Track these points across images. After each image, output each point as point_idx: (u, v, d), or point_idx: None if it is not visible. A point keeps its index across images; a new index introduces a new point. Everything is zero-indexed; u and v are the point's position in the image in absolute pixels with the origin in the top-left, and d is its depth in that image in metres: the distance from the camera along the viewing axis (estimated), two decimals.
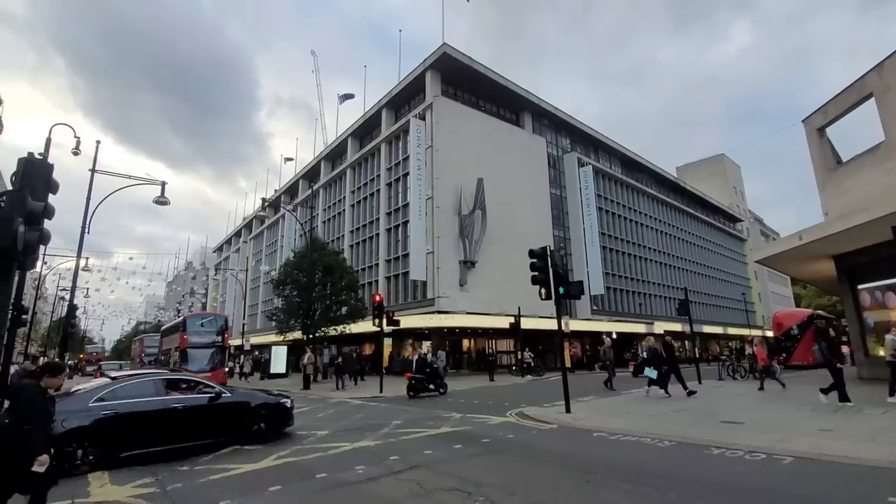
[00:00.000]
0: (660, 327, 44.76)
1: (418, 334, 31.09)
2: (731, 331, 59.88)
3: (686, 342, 49.08)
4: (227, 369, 28.16)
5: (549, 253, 11.40)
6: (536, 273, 11.29)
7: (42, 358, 36.28)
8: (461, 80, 36.95)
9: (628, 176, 52.75)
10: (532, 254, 11.52)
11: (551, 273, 11.17)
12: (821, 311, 34.79)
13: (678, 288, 49.57)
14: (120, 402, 7.49)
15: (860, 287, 16.22)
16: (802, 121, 18.11)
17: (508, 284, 31.27)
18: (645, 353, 15.42)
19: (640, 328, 43.99)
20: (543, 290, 11.17)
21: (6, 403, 4.33)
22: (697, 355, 23.29)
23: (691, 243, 60.15)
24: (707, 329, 53.68)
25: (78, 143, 12.91)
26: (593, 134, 48.95)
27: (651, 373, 13.75)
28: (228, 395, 8.90)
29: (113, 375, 8.47)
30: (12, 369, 12.78)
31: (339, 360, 23.41)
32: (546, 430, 9.22)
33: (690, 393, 13.29)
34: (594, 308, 41.14)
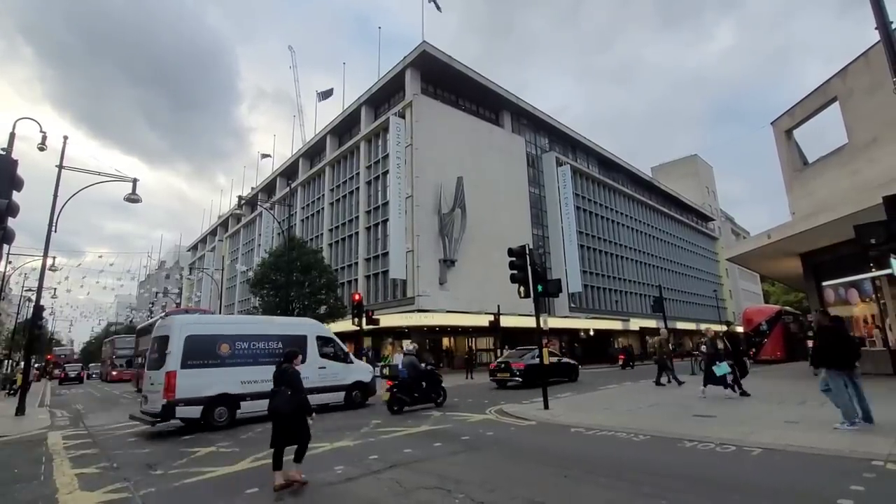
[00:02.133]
0: (635, 324, 45.67)
1: (398, 333, 31.01)
2: (703, 326, 61.38)
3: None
4: None
5: (527, 251, 11.50)
6: (515, 271, 11.38)
7: (7, 361, 34.74)
8: (441, 78, 36.93)
9: (605, 175, 53.63)
10: (511, 252, 11.61)
11: (530, 271, 11.28)
12: (788, 308, 36.03)
13: (653, 285, 50.67)
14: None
15: (825, 284, 16.86)
16: (771, 123, 18.71)
17: (488, 283, 31.45)
18: (704, 347, 13.28)
19: (616, 325, 44.79)
20: (522, 289, 11.27)
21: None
22: (672, 350, 23.85)
23: (665, 242, 61.56)
24: (680, 325, 55.00)
25: (44, 138, 12.45)
26: (571, 134, 49.61)
27: (723, 369, 11.60)
28: (564, 359, 20.52)
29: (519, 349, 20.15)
30: None
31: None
32: (525, 426, 9.31)
33: (743, 394, 11.58)
34: (572, 305, 41.74)
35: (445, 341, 33.87)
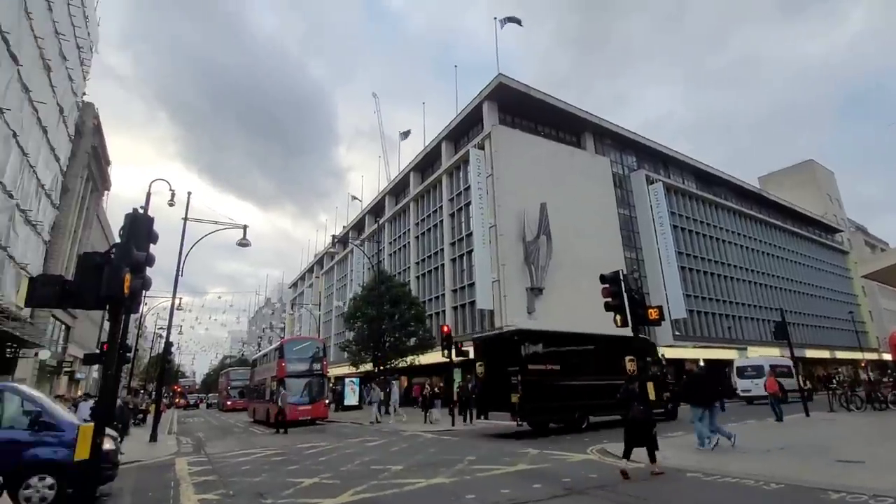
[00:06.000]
0: (754, 352, 40.85)
1: None
2: (840, 354, 53.25)
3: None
4: (327, 401, 25.30)
5: (622, 277, 10.83)
6: (610, 299, 10.73)
7: (142, 392, 39.57)
8: (519, 107, 37.20)
9: (704, 190, 49.73)
10: (604, 279, 10.99)
11: (626, 298, 10.58)
12: None
13: (772, 309, 45.25)
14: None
15: None
16: None
17: (579, 310, 29.97)
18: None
19: (731, 354, 40.37)
20: (619, 317, 10.58)
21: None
22: (804, 384, 20.69)
23: (783, 259, 54.98)
24: (810, 353, 48.10)
25: (173, 195, 14.40)
26: (661, 149, 46.94)
27: None
28: None
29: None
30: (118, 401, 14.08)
31: (427, 391, 22.00)
32: (632, 469, 8.48)
33: None
34: (676, 333, 38.40)
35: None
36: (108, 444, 7.21)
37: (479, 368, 16.28)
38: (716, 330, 42.93)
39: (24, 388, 8.07)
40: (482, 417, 16.09)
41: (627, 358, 12.77)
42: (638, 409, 7.72)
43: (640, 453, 8.01)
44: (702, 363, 36.33)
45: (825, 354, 51.76)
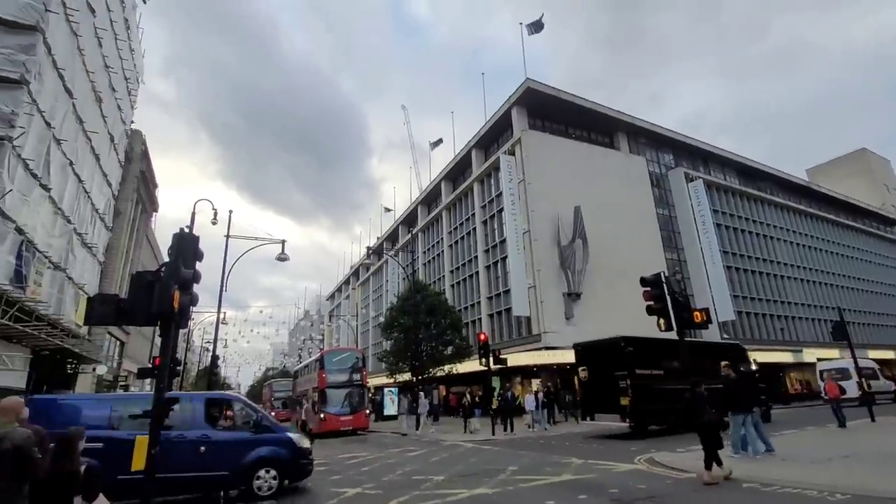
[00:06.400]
0: (811, 354, 38.62)
1: (527, 372, 30.13)
2: None
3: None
4: (368, 411, 25.25)
5: (664, 279, 10.46)
6: (652, 302, 10.37)
7: None
8: (548, 110, 36.84)
9: (748, 186, 47.66)
10: (644, 282, 10.63)
11: (669, 301, 10.19)
12: None
13: (829, 307, 42.66)
14: None
15: None
16: None
17: (619, 315, 29.16)
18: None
19: (785, 356, 38.26)
20: (662, 321, 10.19)
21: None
22: (868, 388, 19.28)
23: (838, 254, 51.85)
24: (872, 354, 44.90)
25: (215, 214, 14.99)
26: (700, 145, 45.36)
27: None
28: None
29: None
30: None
31: (466, 400, 21.94)
32: (683, 479, 8.13)
33: None
34: (725, 336, 36.72)
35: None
36: (305, 443, 8.93)
37: (583, 373, 17.35)
38: (767, 331, 40.80)
39: (245, 398, 9.91)
40: (587, 419, 17.37)
41: (723, 363, 12.59)
42: (711, 413, 7.82)
43: (693, 462, 7.65)
44: (753, 366, 34.61)
45: (889, 355, 48.16)
